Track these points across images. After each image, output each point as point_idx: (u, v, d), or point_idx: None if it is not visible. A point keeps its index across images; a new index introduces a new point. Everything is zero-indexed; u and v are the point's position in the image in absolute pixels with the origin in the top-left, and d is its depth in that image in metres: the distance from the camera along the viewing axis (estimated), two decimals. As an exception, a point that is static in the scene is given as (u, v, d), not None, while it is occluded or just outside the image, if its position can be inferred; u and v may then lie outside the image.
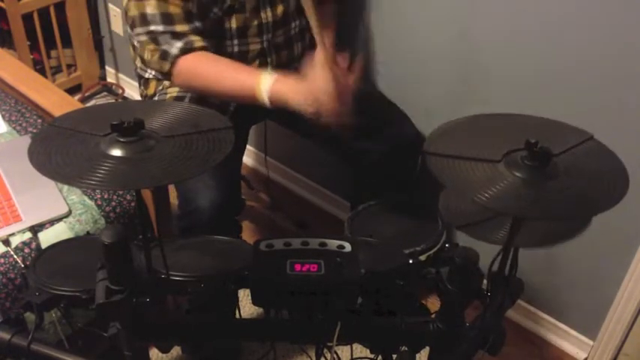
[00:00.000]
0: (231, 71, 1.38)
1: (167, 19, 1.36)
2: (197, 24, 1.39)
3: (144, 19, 1.37)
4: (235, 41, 1.48)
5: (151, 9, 1.35)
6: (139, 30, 1.39)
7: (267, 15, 1.47)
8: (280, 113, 1.65)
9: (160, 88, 1.58)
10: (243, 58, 1.50)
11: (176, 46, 1.36)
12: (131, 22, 1.40)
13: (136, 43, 1.44)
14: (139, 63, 1.60)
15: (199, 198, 1.41)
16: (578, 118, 0.95)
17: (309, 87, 1.28)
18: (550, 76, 1.49)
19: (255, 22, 1.47)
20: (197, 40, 1.38)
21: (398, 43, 1.73)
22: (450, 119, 0.94)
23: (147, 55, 1.40)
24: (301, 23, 1.57)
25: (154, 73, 1.59)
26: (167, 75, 1.41)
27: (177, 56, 1.37)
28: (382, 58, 1.79)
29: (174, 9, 1.36)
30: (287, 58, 1.57)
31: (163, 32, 1.36)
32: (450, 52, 1.64)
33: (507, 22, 1.50)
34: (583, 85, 1.44)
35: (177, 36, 1.37)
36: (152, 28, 1.37)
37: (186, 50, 1.37)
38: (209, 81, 1.40)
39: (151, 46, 1.38)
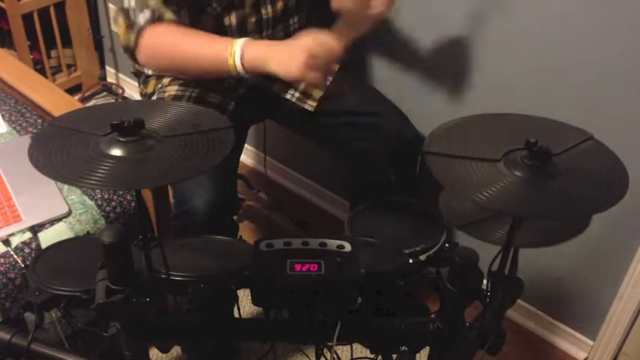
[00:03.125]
0: (199, 39, 1.32)
1: None
2: (174, 7, 1.33)
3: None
4: (235, 37, 1.47)
5: None
6: (117, 8, 1.35)
7: (267, 11, 1.47)
8: (280, 113, 1.66)
9: (159, 86, 1.58)
10: None
11: (144, 16, 1.31)
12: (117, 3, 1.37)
13: (112, 26, 1.41)
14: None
15: (194, 197, 1.40)
16: (578, 118, 0.95)
17: (297, 43, 1.22)
18: (550, 76, 1.49)
19: (255, 18, 1.47)
20: (167, 13, 1.32)
21: (398, 43, 1.73)
22: (450, 119, 0.94)
23: (119, 33, 1.36)
24: (300, 19, 1.57)
25: (151, 72, 1.59)
26: (133, 51, 1.35)
27: (142, 27, 1.31)
28: (382, 59, 1.79)
29: None
30: None
31: (135, 7, 1.32)
32: (450, 52, 1.64)
33: (507, 21, 1.50)
34: (583, 85, 1.44)
35: (147, 7, 1.31)
36: (125, 4, 1.33)
37: (152, 20, 1.31)
38: (175, 53, 1.33)
39: (121, 20, 1.34)
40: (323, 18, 1.62)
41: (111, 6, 2.56)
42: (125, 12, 1.35)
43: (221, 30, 1.45)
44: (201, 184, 1.41)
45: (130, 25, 1.33)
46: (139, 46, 1.34)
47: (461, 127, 0.93)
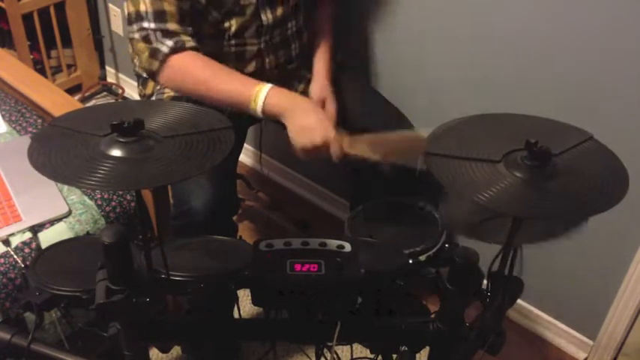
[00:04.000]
0: (225, 74, 1.38)
1: (160, 16, 1.34)
2: (189, 27, 1.38)
3: (138, 16, 1.35)
4: (233, 42, 1.47)
5: (144, 6, 1.34)
6: (132, 27, 1.37)
7: (267, 17, 1.47)
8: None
9: (158, 87, 1.58)
10: (240, 58, 1.50)
11: (167, 44, 1.35)
12: (127, 20, 1.39)
13: (129, 43, 1.43)
14: (137, 61, 1.60)
15: (193, 198, 1.40)
16: (578, 118, 0.95)
17: (320, 126, 1.28)
18: (550, 76, 1.49)
19: (255, 25, 1.47)
20: (188, 40, 1.37)
21: (398, 44, 1.73)
22: (450, 119, 0.94)
23: (137, 54, 1.39)
24: (297, 23, 1.57)
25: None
26: (155, 74, 1.39)
27: (167, 55, 1.35)
28: (381, 59, 1.79)
29: (168, 7, 1.34)
30: (284, 57, 1.57)
31: (155, 30, 1.35)
32: (450, 52, 1.64)
33: (507, 22, 1.50)
34: (583, 85, 1.44)
35: (168, 34, 1.35)
36: (144, 25, 1.35)
37: (176, 49, 1.35)
38: (199, 81, 1.37)
39: (142, 45, 1.36)
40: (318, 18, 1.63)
41: (111, 6, 2.56)
42: (144, 36, 1.36)
43: (219, 35, 1.45)
44: (201, 185, 1.41)
45: (152, 52, 1.36)
46: (163, 72, 1.37)
47: (461, 127, 0.93)
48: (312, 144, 1.27)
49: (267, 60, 1.53)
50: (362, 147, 1.26)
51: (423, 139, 1.10)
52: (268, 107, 1.32)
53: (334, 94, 1.49)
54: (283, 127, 1.34)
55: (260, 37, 1.49)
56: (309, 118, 1.29)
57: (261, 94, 1.32)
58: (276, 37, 1.52)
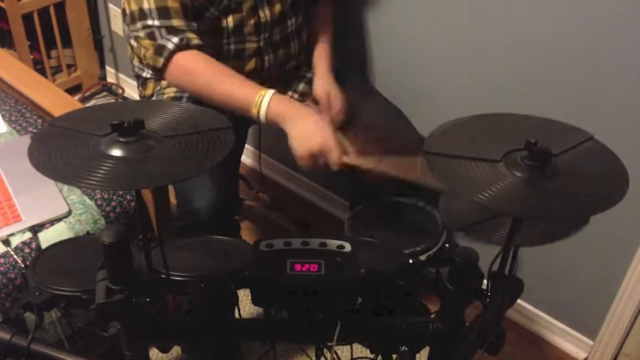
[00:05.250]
0: (229, 77, 1.37)
1: (164, 13, 1.34)
2: (193, 23, 1.38)
3: (141, 14, 1.36)
4: (232, 39, 1.47)
5: (148, 3, 1.34)
6: (136, 25, 1.37)
7: (265, 14, 1.47)
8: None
9: (158, 88, 1.58)
10: (239, 56, 1.50)
11: (172, 42, 1.35)
12: (129, 19, 1.39)
13: (132, 41, 1.43)
14: (136, 62, 1.60)
15: (197, 198, 1.41)
16: (578, 118, 0.95)
17: (321, 130, 1.29)
18: (550, 76, 1.49)
19: (253, 21, 1.47)
20: (194, 38, 1.37)
21: (398, 44, 1.73)
22: (450, 119, 0.94)
23: (142, 52, 1.39)
24: (297, 21, 1.57)
25: (150, 75, 1.59)
26: (160, 72, 1.39)
27: (173, 52, 1.35)
28: (382, 59, 1.79)
29: (172, 3, 1.34)
30: (284, 56, 1.57)
31: (160, 27, 1.35)
32: (450, 52, 1.64)
33: (507, 22, 1.50)
34: (583, 85, 1.44)
35: (173, 31, 1.35)
36: (149, 22, 1.35)
37: (182, 46, 1.35)
38: (204, 82, 1.38)
39: (146, 42, 1.36)
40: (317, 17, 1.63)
41: (111, 6, 2.56)
42: (149, 33, 1.36)
43: (218, 33, 1.45)
44: (204, 185, 1.41)
45: (158, 49, 1.36)
46: (168, 69, 1.37)
47: (461, 127, 0.93)
48: (310, 150, 1.28)
49: (266, 58, 1.53)
50: (361, 159, 1.27)
51: (419, 166, 1.12)
52: (270, 114, 1.32)
53: (339, 88, 1.48)
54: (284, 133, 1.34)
55: (259, 34, 1.49)
56: (308, 125, 1.30)
57: (265, 101, 1.32)
58: (275, 35, 1.52)
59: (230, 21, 1.44)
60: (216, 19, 1.43)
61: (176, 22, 1.35)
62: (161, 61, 1.36)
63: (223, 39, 1.47)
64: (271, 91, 1.33)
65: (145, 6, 1.34)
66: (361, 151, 1.31)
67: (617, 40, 1.35)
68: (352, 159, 1.28)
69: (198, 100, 1.51)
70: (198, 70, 1.37)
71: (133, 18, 1.38)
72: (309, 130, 1.29)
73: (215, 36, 1.46)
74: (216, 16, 1.43)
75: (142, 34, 1.37)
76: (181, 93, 1.53)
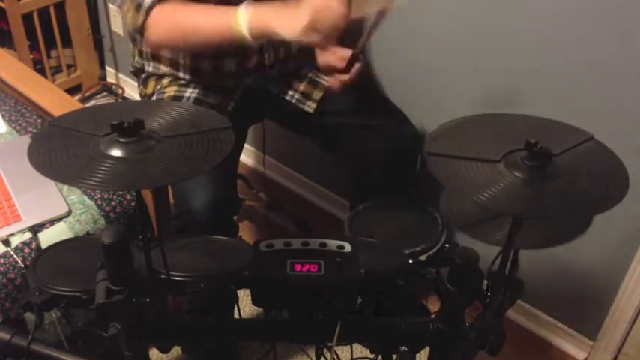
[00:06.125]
0: (206, 11, 1.32)
1: None
2: None
3: None
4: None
5: None
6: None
7: None
8: (279, 113, 1.66)
9: (159, 87, 1.58)
10: (239, 54, 1.49)
11: None
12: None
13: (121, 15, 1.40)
14: (137, 57, 1.60)
15: (194, 198, 1.40)
16: (578, 118, 0.95)
17: (302, 4, 1.20)
18: (550, 76, 1.49)
19: None
20: None
21: (398, 44, 1.73)
22: (450, 119, 0.94)
23: (125, 18, 1.36)
24: None
25: (151, 69, 1.58)
26: (141, 30, 1.36)
27: (151, 7, 1.32)
28: (381, 59, 1.79)
29: None
30: (284, 54, 1.57)
31: None
32: (450, 52, 1.64)
33: (507, 22, 1.50)
34: (583, 85, 1.44)
35: None
36: None
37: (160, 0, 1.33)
38: (184, 28, 1.34)
39: (127, 5, 1.35)
40: None
41: (111, 6, 2.56)
42: None
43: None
44: (202, 185, 1.41)
45: (137, 6, 1.33)
46: (148, 25, 1.34)
47: (461, 127, 0.93)
48: (304, 24, 1.20)
49: (266, 55, 1.53)
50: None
51: None
52: (254, 28, 1.26)
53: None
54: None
55: None
56: (288, 10, 1.23)
57: (242, 23, 1.26)
58: None
59: None
60: None
61: None
62: (140, 18, 1.33)
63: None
64: (244, 5, 1.27)
65: None
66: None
67: (617, 40, 1.35)
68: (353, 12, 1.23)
69: (197, 100, 1.51)
70: (174, 16, 1.34)
71: None
72: (293, 16, 1.22)
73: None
74: None
75: (127, 2, 1.35)
76: (182, 93, 1.53)
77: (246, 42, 1.28)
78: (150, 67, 1.59)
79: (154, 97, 1.58)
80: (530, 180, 0.81)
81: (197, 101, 1.51)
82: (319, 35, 1.21)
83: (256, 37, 1.27)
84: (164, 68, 1.56)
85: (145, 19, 1.34)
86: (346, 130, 1.57)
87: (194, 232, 1.39)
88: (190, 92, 1.52)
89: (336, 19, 1.21)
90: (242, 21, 1.26)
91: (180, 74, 1.54)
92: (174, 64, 1.54)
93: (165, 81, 1.56)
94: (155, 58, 1.57)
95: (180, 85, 1.54)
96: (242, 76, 1.52)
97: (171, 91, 1.55)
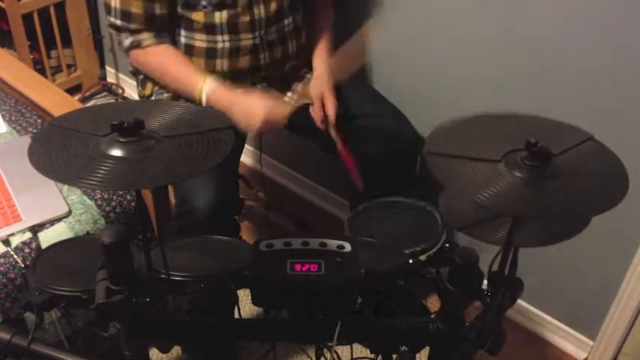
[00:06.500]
0: (176, 69, 1.49)
1: (126, 16, 1.46)
2: (156, 26, 1.48)
3: (108, 10, 1.49)
4: (226, 37, 1.48)
5: (114, 2, 1.46)
6: (107, 17, 1.51)
7: (260, 11, 1.47)
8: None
9: (157, 88, 1.59)
10: (233, 53, 1.50)
11: (127, 41, 1.49)
12: (105, 6, 1.51)
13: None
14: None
15: (196, 197, 1.40)
16: (578, 118, 0.95)
17: (257, 102, 1.40)
18: (550, 77, 1.49)
19: (247, 18, 1.47)
20: (147, 39, 1.48)
21: (398, 45, 1.73)
22: (450, 119, 0.94)
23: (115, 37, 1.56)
24: (295, 20, 1.57)
25: None
26: (127, 53, 1.54)
27: (127, 49, 1.50)
28: (381, 59, 1.79)
29: (136, 9, 1.44)
30: (281, 55, 1.57)
31: (120, 26, 1.48)
32: (450, 52, 1.64)
33: (507, 22, 1.50)
34: (583, 85, 1.44)
35: (131, 32, 1.48)
36: (112, 19, 1.48)
37: (133, 47, 1.49)
38: (156, 76, 1.55)
39: (113, 31, 1.52)
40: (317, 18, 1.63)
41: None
42: (113, 25, 1.49)
43: (211, 28, 1.46)
44: (203, 185, 1.41)
45: (119, 41, 1.52)
46: (129, 58, 1.55)
47: (461, 127, 0.93)
48: (258, 128, 1.39)
49: (261, 56, 1.53)
50: (299, 96, 1.46)
51: (364, 35, 1.35)
52: (212, 104, 1.43)
53: (334, 90, 1.49)
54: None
55: (254, 31, 1.49)
56: (246, 105, 1.40)
57: (203, 98, 1.44)
58: (272, 34, 1.52)
59: (224, 16, 1.45)
60: (209, 14, 1.44)
61: (134, 26, 1.47)
62: (123, 49, 1.52)
63: (217, 35, 1.47)
64: (209, 82, 1.44)
65: (112, 4, 1.47)
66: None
67: (617, 40, 1.35)
68: (293, 100, 1.45)
69: (194, 101, 1.52)
70: (149, 65, 1.53)
71: (106, 8, 1.50)
72: (248, 111, 1.39)
73: (208, 32, 1.46)
74: (209, 11, 1.43)
75: (109, 22, 1.51)
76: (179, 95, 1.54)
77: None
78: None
79: (153, 98, 1.59)
80: (530, 180, 0.81)
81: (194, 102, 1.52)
82: (270, 127, 1.42)
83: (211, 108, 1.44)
84: None
85: (126, 52, 1.52)
86: (346, 130, 1.57)
87: (195, 232, 1.39)
88: None
89: (282, 117, 1.41)
90: (203, 97, 1.44)
91: None
92: None
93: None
94: None
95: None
96: (236, 76, 1.53)
97: (170, 92, 1.55)
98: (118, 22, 1.47)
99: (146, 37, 1.48)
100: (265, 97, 1.42)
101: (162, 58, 1.50)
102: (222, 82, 1.45)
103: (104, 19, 2.61)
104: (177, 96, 1.53)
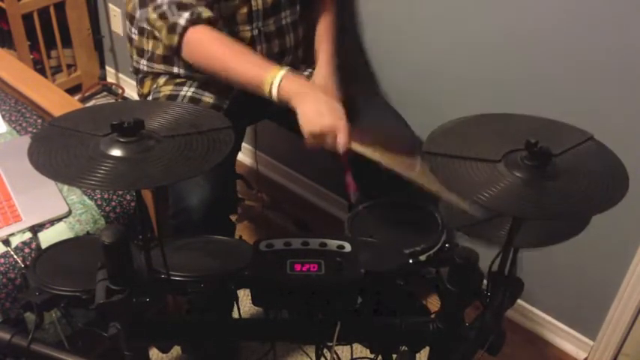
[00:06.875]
0: (242, 58, 1.37)
1: None
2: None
3: (144, 1, 1.38)
4: (224, 28, 1.47)
5: None
6: (147, 9, 1.39)
7: (257, 3, 1.47)
8: (278, 114, 1.66)
9: (155, 86, 1.58)
10: None
11: (184, 17, 1.35)
12: (139, 2, 1.41)
13: (133, 35, 1.45)
14: (135, 56, 1.60)
15: (190, 196, 1.40)
16: (578, 118, 0.95)
17: (331, 109, 1.28)
18: (550, 77, 1.49)
19: (245, 10, 1.47)
20: (204, 11, 1.37)
21: (397, 45, 1.73)
22: (449, 120, 0.94)
23: (158, 34, 1.40)
24: (293, 13, 1.56)
25: (146, 68, 1.59)
26: (177, 50, 1.39)
27: (185, 27, 1.35)
28: (380, 60, 1.79)
29: None
30: (279, 48, 1.57)
31: (170, 3, 1.35)
32: (450, 52, 1.64)
33: (507, 22, 1.50)
34: (583, 85, 1.44)
35: (183, 7, 1.36)
36: (158, 1, 1.36)
37: (193, 21, 1.35)
38: (216, 60, 1.38)
39: (159, 23, 1.37)
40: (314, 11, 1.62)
41: (111, 6, 2.56)
42: (161, 13, 1.37)
43: (210, 20, 1.44)
44: (197, 183, 1.41)
45: (170, 27, 1.36)
46: (183, 47, 1.38)
47: (461, 127, 0.93)
48: (320, 130, 1.27)
49: (258, 48, 1.53)
50: (367, 148, 1.27)
51: (418, 167, 1.14)
52: (281, 94, 1.32)
53: (337, 84, 1.47)
54: (292, 117, 1.33)
55: (251, 23, 1.49)
56: (319, 105, 1.29)
57: (276, 81, 1.31)
58: (270, 26, 1.52)
59: (222, 8, 1.44)
60: (208, 6, 1.43)
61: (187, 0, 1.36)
62: (175, 38, 1.36)
63: (216, 27, 1.46)
64: (282, 72, 1.32)
65: None
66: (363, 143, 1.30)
67: (617, 40, 1.35)
68: (359, 146, 1.28)
69: (192, 99, 1.51)
70: (210, 46, 1.38)
71: (142, 3, 1.40)
72: (319, 110, 1.28)
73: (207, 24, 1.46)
74: (208, 2, 1.43)
75: (154, 15, 1.37)
76: (177, 92, 1.53)
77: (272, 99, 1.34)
78: (144, 67, 1.59)
79: (151, 97, 1.58)
80: (530, 180, 0.81)
81: (193, 100, 1.51)
82: (316, 143, 1.29)
83: (280, 102, 1.33)
84: (158, 66, 1.56)
85: (179, 41, 1.37)
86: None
87: (190, 231, 1.39)
88: (186, 91, 1.52)
89: (336, 144, 1.27)
90: (274, 89, 1.32)
91: (175, 70, 1.54)
92: (168, 60, 1.54)
93: (161, 80, 1.56)
94: (150, 57, 1.56)
95: (175, 84, 1.54)
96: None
97: (166, 90, 1.55)
98: (166, 0, 1.35)
99: (203, 9, 1.37)
100: (338, 110, 1.30)
101: (225, 41, 1.38)
102: (293, 73, 1.35)
103: (104, 19, 2.63)
104: (175, 95, 1.52)
